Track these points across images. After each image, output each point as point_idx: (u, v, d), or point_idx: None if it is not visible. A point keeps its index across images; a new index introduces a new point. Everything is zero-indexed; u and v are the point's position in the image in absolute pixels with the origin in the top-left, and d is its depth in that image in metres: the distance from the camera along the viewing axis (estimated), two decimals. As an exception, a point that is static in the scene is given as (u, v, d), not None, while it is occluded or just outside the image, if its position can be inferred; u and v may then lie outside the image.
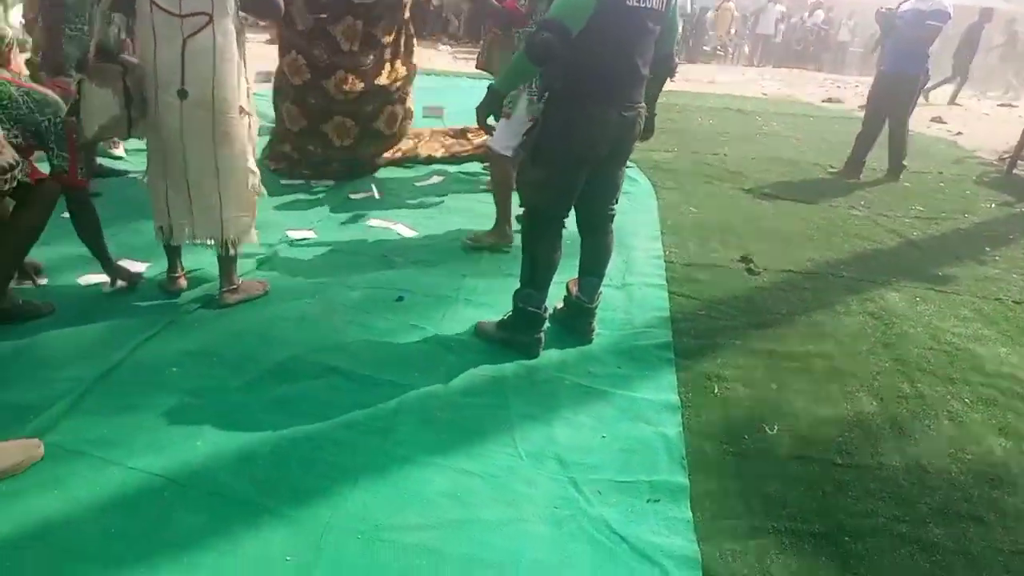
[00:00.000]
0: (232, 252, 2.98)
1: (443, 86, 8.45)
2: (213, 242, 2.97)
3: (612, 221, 2.99)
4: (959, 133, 9.32)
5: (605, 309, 3.15)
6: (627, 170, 3.12)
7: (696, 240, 4.39)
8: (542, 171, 2.71)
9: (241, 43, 2.78)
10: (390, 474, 2.12)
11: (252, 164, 2.93)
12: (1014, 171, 7.03)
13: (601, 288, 3.03)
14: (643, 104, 2.73)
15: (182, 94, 2.68)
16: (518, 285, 2.88)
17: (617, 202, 2.97)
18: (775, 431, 2.54)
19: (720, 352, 3.05)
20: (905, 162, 6.43)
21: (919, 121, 9.40)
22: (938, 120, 9.90)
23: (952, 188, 6.33)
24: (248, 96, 2.89)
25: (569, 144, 2.63)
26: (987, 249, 4.73)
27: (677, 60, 2.99)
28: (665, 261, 3.98)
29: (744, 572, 1.90)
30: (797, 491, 2.24)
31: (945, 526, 2.15)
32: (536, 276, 2.84)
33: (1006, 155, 7.44)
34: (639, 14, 2.54)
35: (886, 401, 2.81)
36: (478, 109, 2.71)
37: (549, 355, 2.86)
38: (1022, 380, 3.05)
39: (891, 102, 6.26)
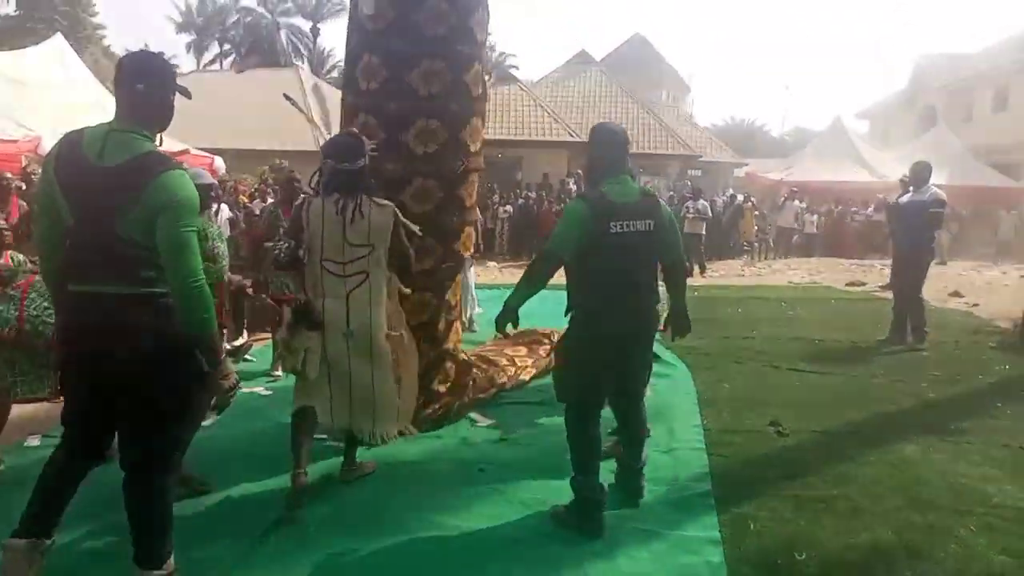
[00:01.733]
0: (369, 440, 3.63)
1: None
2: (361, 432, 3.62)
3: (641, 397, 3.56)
4: (975, 304, 9.97)
5: (653, 470, 3.76)
6: (666, 353, 3.87)
7: (730, 410, 5.03)
8: (570, 374, 3.30)
9: (391, 292, 3.61)
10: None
11: (396, 379, 3.61)
12: (1027, 335, 7.58)
13: (646, 450, 3.63)
14: (648, 309, 3.31)
15: (348, 335, 3.43)
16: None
17: (647, 382, 3.58)
18: (803, 557, 3.06)
19: (755, 497, 3.61)
20: (927, 328, 7.09)
21: (937, 295, 10.14)
22: (956, 294, 10.60)
23: (967, 354, 6.90)
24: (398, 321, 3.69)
25: (585, 348, 3.21)
26: (998, 404, 5.24)
27: (691, 263, 3.90)
28: (704, 428, 4.61)
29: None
30: (822, 599, 2.74)
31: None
32: (583, 462, 3.26)
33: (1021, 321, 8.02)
34: (628, 238, 3.12)
35: (900, 531, 3.30)
36: (497, 320, 3.26)
37: (609, 503, 3.46)
38: (1022, 508, 3.51)
39: (908, 277, 7.13)
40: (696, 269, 13.93)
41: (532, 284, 3.23)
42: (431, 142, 4.30)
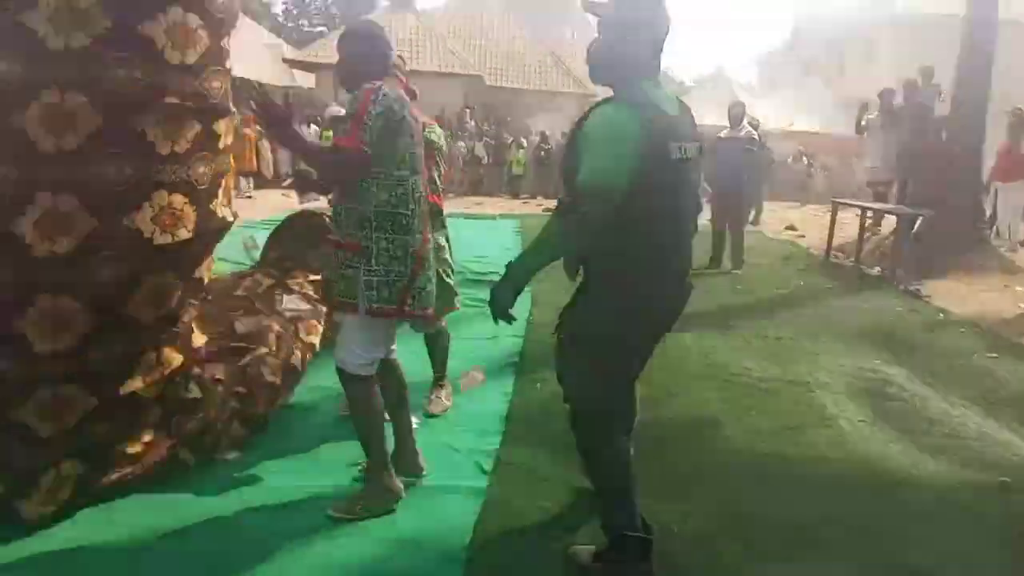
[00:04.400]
0: None
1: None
2: None
3: None
4: (802, 236, 11.35)
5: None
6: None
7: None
8: (592, 364, 2.28)
9: None
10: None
11: None
12: (831, 258, 8.89)
13: None
14: (689, 276, 2.42)
15: None
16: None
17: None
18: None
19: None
20: (744, 257, 8.21)
21: (774, 229, 11.48)
22: (791, 228, 11.98)
23: (774, 274, 8.10)
24: None
25: (626, 330, 2.25)
26: (777, 310, 6.40)
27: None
28: (528, 322, 5.50)
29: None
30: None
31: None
32: (616, 490, 2.38)
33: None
34: (684, 169, 2.24)
35: (660, 388, 4.28)
36: (496, 296, 2.28)
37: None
38: (754, 376, 4.58)
39: (730, 211, 8.11)
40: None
41: (563, 245, 2.22)
42: (76, 27, 2.38)
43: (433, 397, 3.90)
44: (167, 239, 2.70)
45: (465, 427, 3.67)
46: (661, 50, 2.28)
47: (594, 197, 2.09)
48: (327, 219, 3.59)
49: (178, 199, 2.72)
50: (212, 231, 2.97)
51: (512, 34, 27.11)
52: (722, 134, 8.22)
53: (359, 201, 2.57)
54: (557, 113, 24.06)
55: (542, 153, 17.83)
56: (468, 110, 21.02)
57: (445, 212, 3.76)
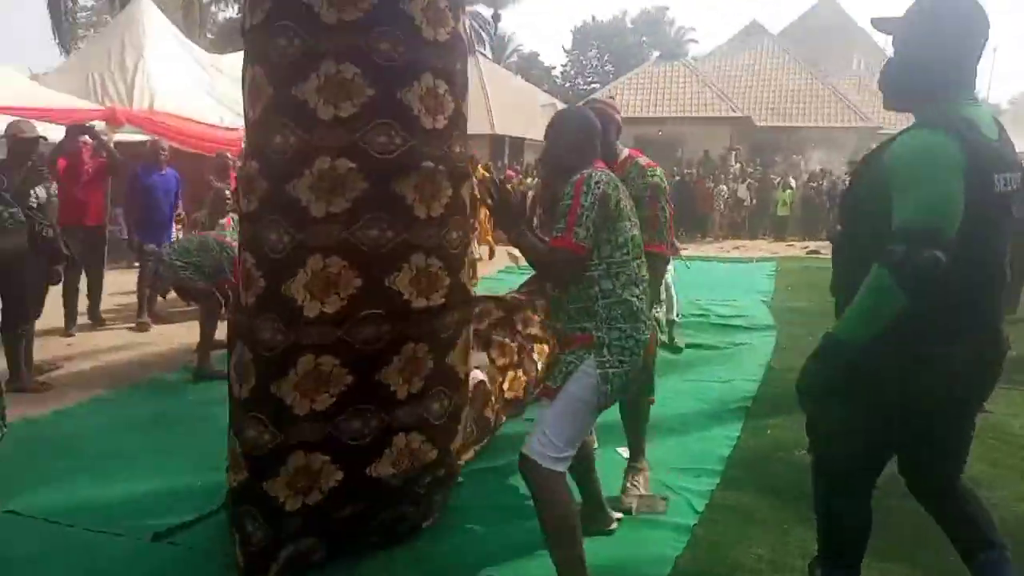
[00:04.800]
0: None
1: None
2: None
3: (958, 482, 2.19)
4: None
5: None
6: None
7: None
8: (845, 415, 2.00)
9: None
10: None
11: None
12: None
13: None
14: (1003, 328, 2.02)
15: None
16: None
17: (962, 468, 2.19)
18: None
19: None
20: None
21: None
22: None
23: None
24: None
25: (891, 394, 1.94)
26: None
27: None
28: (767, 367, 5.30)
29: None
30: None
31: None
32: (842, 549, 2.18)
33: None
34: (1005, 201, 1.89)
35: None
36: (813, 376, 1.95)
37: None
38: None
39: None
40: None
41: (894, 303, 1.80)
42: (345, 98, 2.57)
43: (629, 485, 3.34)
44: (423, 303, 2.74)
45: (683, 467, 3.67)
46: (979, 60, 1.97)
47: (924, 240, 1.74)
48: None
49: (434, 263, 2.77)
50: (461, 303, 2.96)
51: (786, 71, 26.17)
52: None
53: (584, 291, 2.38)
54: (833, 149, 22.64)
55: (812, 192, 16.83)
56: (733, 152, 20.62)
57: (684, 255, 3.54)
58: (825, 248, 14.13)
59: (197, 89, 11.21)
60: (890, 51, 2.07)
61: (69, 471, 3.53)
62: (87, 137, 6.21)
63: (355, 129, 2.59)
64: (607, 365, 2.34)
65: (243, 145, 3.00)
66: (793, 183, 17.50)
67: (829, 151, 22.54)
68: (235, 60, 13.63)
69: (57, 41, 23.63)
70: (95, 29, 28.73)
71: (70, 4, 22.05)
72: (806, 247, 14.56)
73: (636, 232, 2.47)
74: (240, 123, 10.71)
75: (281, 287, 2.57)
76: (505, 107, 20.83)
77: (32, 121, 5.48)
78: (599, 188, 2.35)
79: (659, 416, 3.91)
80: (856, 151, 23.52)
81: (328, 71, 2.55)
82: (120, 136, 9.04)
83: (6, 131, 5.15)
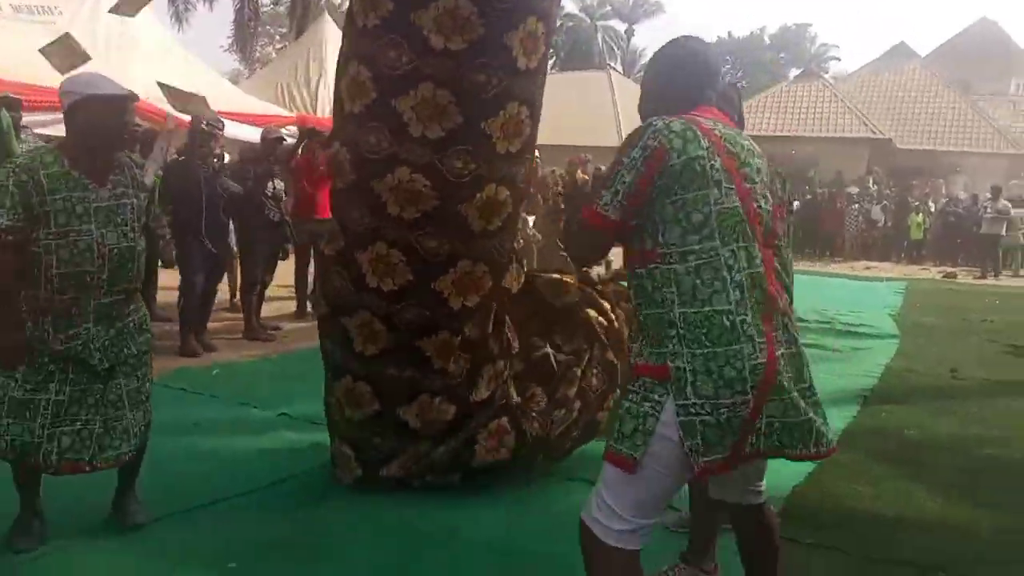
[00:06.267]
0: None
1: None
2: None
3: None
4: None
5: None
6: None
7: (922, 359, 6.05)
8: None
9: None
10: None
11: None
12: None
13: None
14: None
15: None
16: None
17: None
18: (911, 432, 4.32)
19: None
20: None
21: None
22: None
23: None
24: None
25: None
26: None
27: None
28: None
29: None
30: None
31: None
32: None
33: None
34: None
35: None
36: None
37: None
38: None
39: None
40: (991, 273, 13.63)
41: None
42: (435, 121, 2.83)
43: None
44: (459, 303, 3.06)
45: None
46: None
47: None
48: None
49: (480, 268, 3.06)
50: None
51: (932, 93, 25.33)
52: None
53: (650, 297, 1.73)
54: (979, 174, 21.75)
55: (951, 218, 16.44)
56: (870, 175, 20.32)
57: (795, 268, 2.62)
58: (963, 272, 13.96)
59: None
60: None
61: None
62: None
63: (437, 151, 2.86)
64: (689, 410, 1.65)
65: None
66: (932, 206, 17.14)
67: (974, 176, 21.71)
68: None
69: (236, 48, 26.41)
70: (272, 42, 31.55)
71: (252, 15, 24.52)
72: (941, 271, 14.34)
73: (734, 205, 1.72)
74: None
75: (355, 252, 3.02)
76: (634, 120, 21.29)
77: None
78: (656, 140, 1.72)
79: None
80: (1007, 177, 22.56)
81: (426, 93, 2.79)
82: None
83: (262, 134, 6.39)
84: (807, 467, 3.69)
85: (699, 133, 1.73)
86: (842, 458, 3.87)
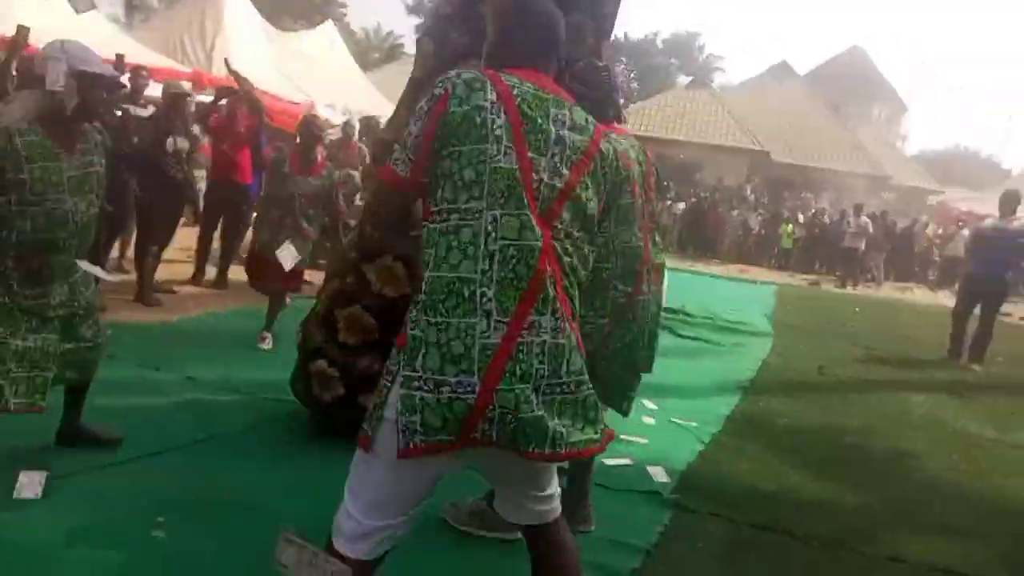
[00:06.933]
0: None
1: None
2: None
3: None
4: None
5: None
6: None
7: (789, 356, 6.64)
8: None
9: None
10: None
11: None
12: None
13: None
14: None
15: None
16: None
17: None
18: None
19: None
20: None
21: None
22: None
23: None
24: None
25: None
26: None
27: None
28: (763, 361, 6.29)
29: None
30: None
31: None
32: None
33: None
34: None
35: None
36: None
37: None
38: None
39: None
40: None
41: None
42: None
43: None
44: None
45: (690, 418, 4.60)
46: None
47: None
48: None
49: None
50: None
51: (810, 112, 27.18)
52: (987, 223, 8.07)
53: (420, 260, 1.61)
54: (843, 192, 23.63)
55: (817, 230, 17.82)
56: (748, 183, 21.66)
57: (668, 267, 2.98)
58: (825, 280, 15.26)
59: (267, 63, 12.19)
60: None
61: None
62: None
63: None
64: (414, 384, 1.53)
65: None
66: (801, 218, 18.49)
67: (840, 193, 23.56)
68: (302, 38, 14.78)
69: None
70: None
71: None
72: (805, 279, 15.56)
73: (512, 165, 1.56)
74: (301, 99, 11.79)
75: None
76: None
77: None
78: (441, 86, 1.60)
79: (666, 384, 4.69)
80: (867, 195, 24.62)
81: None
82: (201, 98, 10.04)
83: (163, 87, 6.09)
84: (696, 446, 4.08)
85: (488, 85, 1.59)
86: (727, 440, 4.30)
